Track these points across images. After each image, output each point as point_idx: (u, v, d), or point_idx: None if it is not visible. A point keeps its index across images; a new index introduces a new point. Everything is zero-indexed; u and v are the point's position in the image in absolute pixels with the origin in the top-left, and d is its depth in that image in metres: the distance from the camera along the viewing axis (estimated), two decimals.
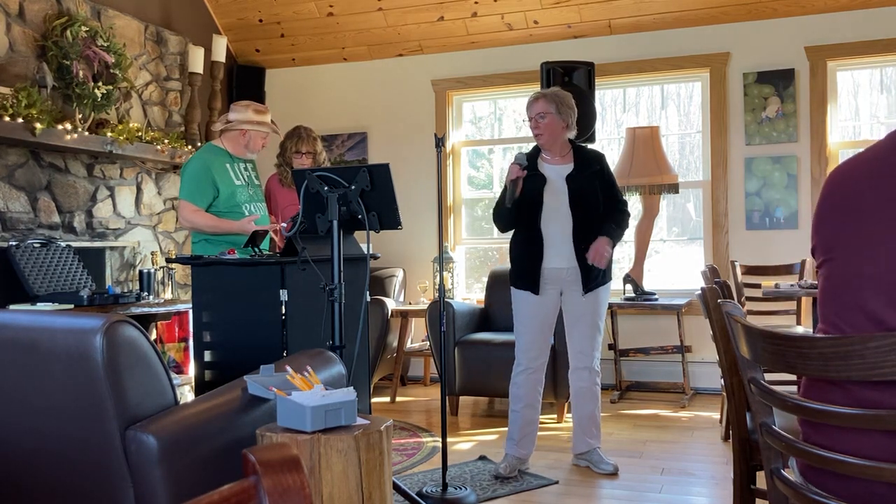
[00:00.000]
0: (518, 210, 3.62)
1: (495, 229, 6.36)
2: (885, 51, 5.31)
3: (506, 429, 4.60)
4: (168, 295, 5.02)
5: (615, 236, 3.67)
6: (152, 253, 5.32)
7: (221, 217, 3.95)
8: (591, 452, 3.75)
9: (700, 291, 2.45)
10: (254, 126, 4.02)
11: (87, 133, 4.76)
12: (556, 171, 3.66)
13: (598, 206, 3.64)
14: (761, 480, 1.95)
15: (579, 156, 3.70)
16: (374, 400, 5.40)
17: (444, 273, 3.80)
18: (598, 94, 5.71)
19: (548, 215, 3.62)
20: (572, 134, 3.73)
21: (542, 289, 3.66)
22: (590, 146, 5.68)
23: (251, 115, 4.02)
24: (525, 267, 3.67)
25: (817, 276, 1.60)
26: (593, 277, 3.65)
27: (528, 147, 6.43)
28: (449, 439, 3.61)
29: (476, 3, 5.89)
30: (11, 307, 3.89)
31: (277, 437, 2.08)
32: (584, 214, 3.60)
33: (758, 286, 5.05)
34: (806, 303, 5.29)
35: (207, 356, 3.38)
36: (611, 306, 5.47)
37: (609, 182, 3.72)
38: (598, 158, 3.74)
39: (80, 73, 4.72)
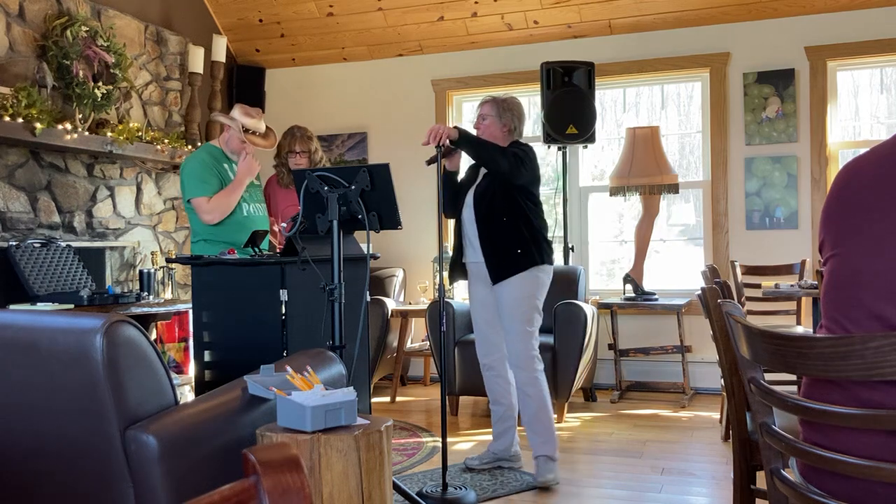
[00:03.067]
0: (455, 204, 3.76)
1: None
2: (885, 51, 5.31)
3: None
4: (168, 295, 5.02)
5: (472, 138, 3.56)
6: (152, 253, 5.32)
7: (223, 217, 3.91)
8: (538, 459, 3.58)
9: (700, 291, 2.45)
10: (230, 121, 3.97)
11: (87, 133, 4.76)
12: (483, 170, 3.75)
13: (496, 199, 3.61)
14: (761, 480, 1.95)
15: None
16: (374, 400, 5.40)
17: (444, 273, 3.80)
18: (598, 94, 5.71)
19: (466, 211, 3.72)
20: (517, 136, 3.76)
21: (472, 284, 3.77)
22: (589, 146, 5.73)
23: (234, 113, 3.99)
24: (454, 259, 3.83)
25: (819, 273, 1.61)
26: (497, 267, 3.59)
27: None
28: (449, 439, 3.61)
29: (476, 3, 5.89)
30: (11, 307, 3.89)
31: (277, 437, 2.08)
32: (483, 210, 3.63)
33: (758, 286, 5.05)
34: (806, 303, 5.29)
35: (207, 356, 3.38)
36: (610, 306, 5.47)
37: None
38: (463, 135, 3.57)
39: (80, 73, 4.72)
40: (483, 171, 3.73)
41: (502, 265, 3.60)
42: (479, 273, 3.70)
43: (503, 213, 3.61)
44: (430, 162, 3.53)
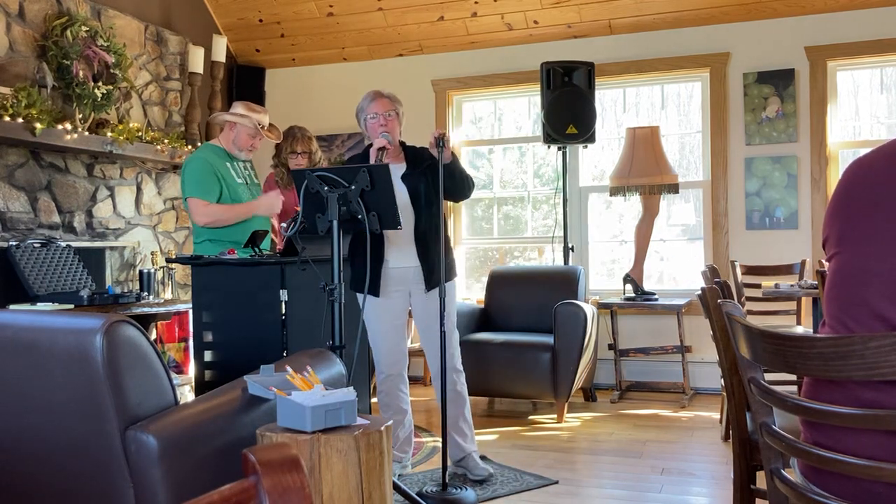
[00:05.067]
0: None
1: (496, 229, 6.40)
2: (885, 51, 5.31)
3: (506, 428, 4.62)
4: (168, 295, 5.02)
5: (456, 162, 3.56)
6: (152, 253, 5.32)
7: (214, 226, 3.90)
8: (467, 458, 3.64)
9: (700, 291, 2.45)
10: (238, 119, 3.98)
11: (87, 133, 4.76)
12: (393, 171, 3.57)
13: (434, 203, 3.59)
14: (761, 480, 1.95)
15: (410, 154, 3.67)
16: (373, 400, 5.40)
17: (441, 272, 3.80)
18: (598, 94, 5.71)
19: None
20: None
21: (386, 290, 3.59)
22: (589, 146, 5.73)
23: (240, 110, 4.00)
24: (366, 269, 3.54)
25: (819, 273, 1.59)
26: (435, 273, 3.57)
27: (528, 146, 6.42)
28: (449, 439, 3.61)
29: (476, 3, 5.89)
30: (11, 307, 3.89)
31: (277, 437, 2.08)
32: (422, 211, 3.55)
33: (758, 286, 5.05)
34: (806, 303, 5.29)
35: (207, 356, 3.38)
36: (610, 306, 5.47)
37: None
38: (427, 153, 3.62)
39: (80, 73, 4.72)
40: (397, 174, 3.58)
41: (439, 271, 3.54)
42: (402, 278, 3.59)
43: (435, 220, 3.59)
44: (378, 159, 3.42)
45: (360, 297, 3.53)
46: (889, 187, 1.46)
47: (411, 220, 3.56)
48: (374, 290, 3.58)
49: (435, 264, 3.57)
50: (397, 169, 3.63)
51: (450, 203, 6.29)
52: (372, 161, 3.44)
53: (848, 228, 1.51)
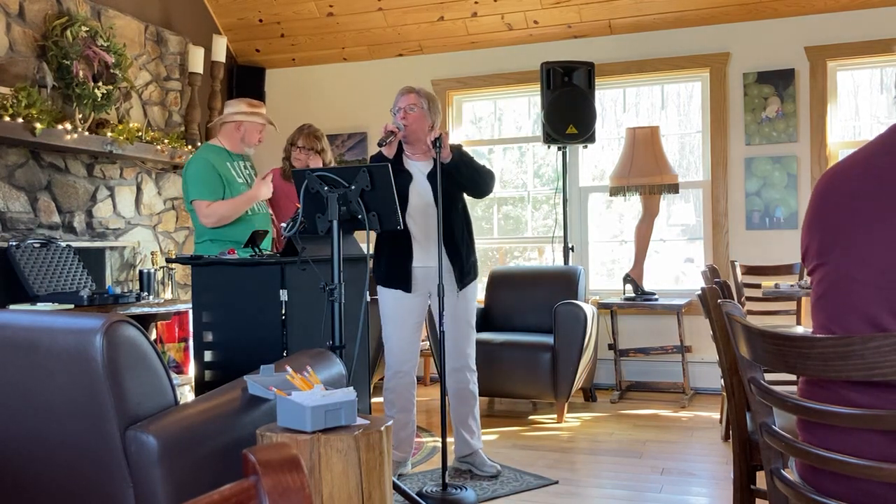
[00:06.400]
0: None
1: (496, 229, 6.40)
2: (885, 51, 5.31)
3: (506, 428, 4.62)
4: (168, 295, 5.02)
5: (466, 156, 3.58)
6: (152, 253, 5.32)
7: (219, 223, 3.90)
8: (474, 455, 3.69)
9: (700, 291, 2.45)
10: (247, 117, 4.00)
11: (87, 133, 4.76)
12: (419, 169, 3.65)
13: (459, 200, 3.67)
14: (761, 480, 1.96)
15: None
16: (374, 400, 5.40)
17: (444, 273, 3.81)
18: (598, 94, 5.71)
19: (413, 213, 3.60)
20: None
21: (413, 288, 3.64)
22: (589, 146, 5.73)
23: (244, 108, 4.02)
24: (394, 264, 3.63)
25: (811, 281, 1.59)
26: (463, 274, 3.63)
27: (528, 146, 6.42)
28: (449, 439, 3.61)
29: (476, 3, 5.89)
30: (11, 307, 3.89)
31: (277, 437, 2.08)
32: (448, 211, 3.57)
33: (758, 286, 5.05)
34: (806, 303, 5.29)
35: (207, 356, 3.38)
36: (610, 306, 5.47)
37: None
38: (457, 150, 3.61)
39: (80, 73, 4.72)
40: (424, 171, 3.61)
41: (467, 272, 3.65)
42: (426, 277, 3.62)
43: (462, 220, 3.67)
44: (381, 143, 3.47)
45: (382, 292, 3.65)
46: (866, 193, 1.46)
47: (435, 219, 3.56)
48: (407, 287, 3.62)
49: (464, 264, 3.64)
50: (425, 166, 3.64)
51: None
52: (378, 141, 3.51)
53: (828, 238, 1.51)
